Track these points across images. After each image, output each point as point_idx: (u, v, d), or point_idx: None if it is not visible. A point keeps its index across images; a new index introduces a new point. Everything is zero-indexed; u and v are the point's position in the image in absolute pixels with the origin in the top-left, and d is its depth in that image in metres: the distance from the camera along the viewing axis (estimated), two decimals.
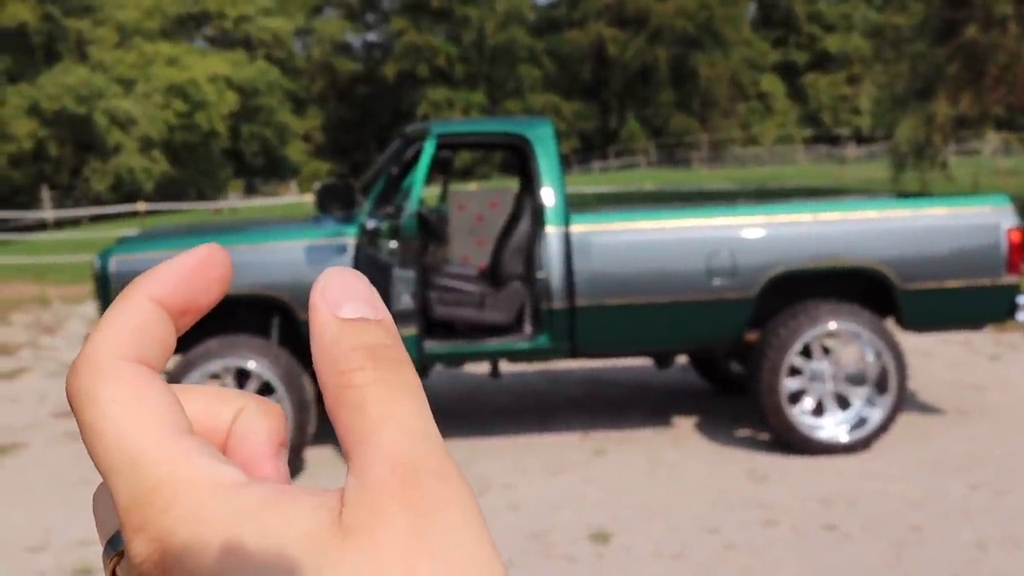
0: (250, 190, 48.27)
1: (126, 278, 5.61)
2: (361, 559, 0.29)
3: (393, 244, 5.43)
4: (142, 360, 0.34)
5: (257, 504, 0.31)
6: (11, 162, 36.51)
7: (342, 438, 0.32)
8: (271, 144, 48.78)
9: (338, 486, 0.32)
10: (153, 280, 0.35)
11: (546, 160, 5.85)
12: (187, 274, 0.35)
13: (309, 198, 25.60)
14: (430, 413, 0.32)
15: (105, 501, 0.38)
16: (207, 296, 0.36)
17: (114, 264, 5.65)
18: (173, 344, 0.36)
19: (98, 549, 4.73)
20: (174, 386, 0.36)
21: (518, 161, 6.39)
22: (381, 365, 0.32)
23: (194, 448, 0.32)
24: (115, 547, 0.36)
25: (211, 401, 0.38)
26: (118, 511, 0.32)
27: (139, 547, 0.31)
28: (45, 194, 29.29)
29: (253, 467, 0.37)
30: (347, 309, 0.33)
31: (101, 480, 0.33)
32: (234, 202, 32.46)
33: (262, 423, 0.38)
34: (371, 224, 5.59)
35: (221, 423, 0.38)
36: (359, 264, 5.57)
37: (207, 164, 44.04)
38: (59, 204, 34.74)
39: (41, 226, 28.98)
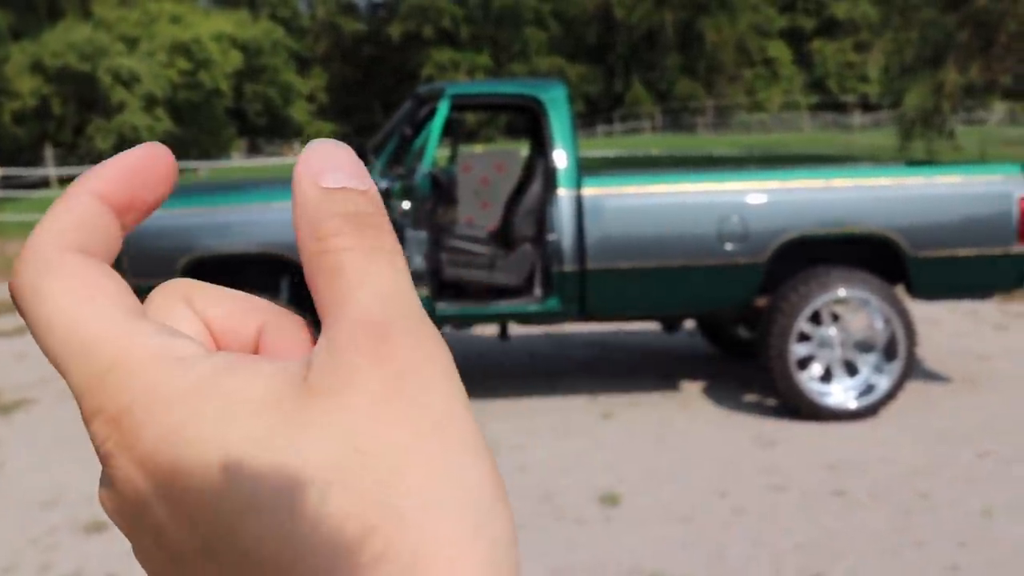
0: (253, 150, 48.13)
1: (134, 237, 5.60)
2: (327, 421, 0.28)
3: (406, 204, 5.40)
4: (88, 252, 0.33)
5: (213, 372, 0.30)
6: (15, 119, 36.40)
7: (318, 305, 0.31)
8: (275, 104, 48.60)
9: None
10: (95, 176, 0.34)
11: (559, 123, 5.83)
12: (130, 170, 0.34)
13: None
14: (408, 277, 0.32)
15: None
16: (152, 193, 0.35)
17: None
18: (119, 239, 0.35)
19: None
20: (196, 282, 0.36)
21: (530, 123, 6.36)
22: (361, 231, 0.31)
23: (148, 326, 0.32)
24: None
25: (233, 310, 0.36)
26: (76, 399, 0.31)
27: (98, 428, 0.30)
28: (48, 151, 29.14)
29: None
30: (329, 179, 0.32)
31: None
32: (237, 161, 32.36)
33: (292, 330, 0.36)
34: (383, 184, 5.57)
35: (245, 332, 0.36)
36: None
37: (211, 123, 43.90)
38: (62, 162, 34.62)
39: (44, 183, 28.91)
